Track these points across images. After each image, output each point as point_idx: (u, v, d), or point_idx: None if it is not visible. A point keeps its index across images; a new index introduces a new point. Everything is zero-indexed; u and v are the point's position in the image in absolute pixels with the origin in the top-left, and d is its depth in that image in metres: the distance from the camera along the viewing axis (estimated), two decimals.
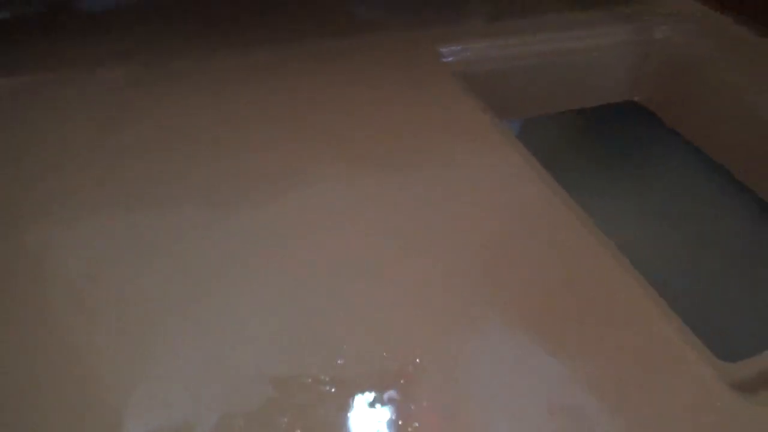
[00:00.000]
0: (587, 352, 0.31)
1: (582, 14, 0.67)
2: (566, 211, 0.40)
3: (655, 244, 0.68)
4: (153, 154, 0.42)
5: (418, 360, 0.30)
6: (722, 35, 0.64)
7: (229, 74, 0.51)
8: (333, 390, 0.28)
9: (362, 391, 0.28)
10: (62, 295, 0.32)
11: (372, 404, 0.28)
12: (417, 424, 0.27)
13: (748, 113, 0.58)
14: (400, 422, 0.27)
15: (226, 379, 0.28)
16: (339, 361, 0.29)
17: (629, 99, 0.71)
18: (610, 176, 0.80)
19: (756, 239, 0.67)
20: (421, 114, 0.49)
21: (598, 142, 0.79)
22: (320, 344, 0.30)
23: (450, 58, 0.57)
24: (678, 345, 0.32)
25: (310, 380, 0.28)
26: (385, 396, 0.28)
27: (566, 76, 0.65)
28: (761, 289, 0.62)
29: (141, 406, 0.27)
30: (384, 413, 0.27)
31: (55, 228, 0.36)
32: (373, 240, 0.37)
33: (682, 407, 0.29)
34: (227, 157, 0.42)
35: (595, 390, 0.29)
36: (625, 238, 0.43)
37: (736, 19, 0.64)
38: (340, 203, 0.40)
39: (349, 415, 0.27)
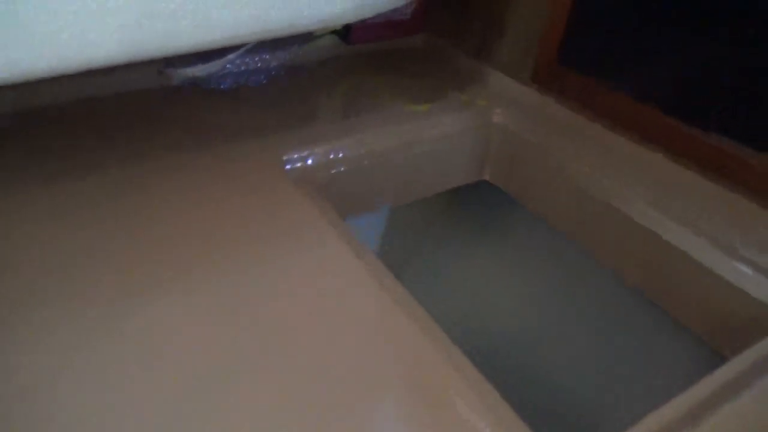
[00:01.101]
0: None
1: (423, 106, 0.71)
2: (401, 315, 0.42)
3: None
4: None
5: None
6: (549, 118, 0.70)
7: (71, 199, 0.51)
8: None
9: None
10: None
11: None
12: None
13: (575, 187, 0.63)
14: None
15: None
16: None
17: (481, 179, 0.76)
18: (473, 249, 0.84)
19: (607, 299, 0.71)
20: (261, 223, 0.50)
21: (459, 220, 0.83)
22: None
23: (294, 165, 0.59)
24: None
25: None
26: None
27: (418, 164, 0.69)
28: (617, 354, 0.66)
29: None
30: None
31: None
32: (207, 354, 0.37)
33: None
34: (69, 280, 0.42)
35: None
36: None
37: (557, 99, 0.71)
38: (174, 320, 0.40)
39: None
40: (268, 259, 0.47)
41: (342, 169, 0.62)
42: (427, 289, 0.84)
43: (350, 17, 0.53)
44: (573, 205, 0.63)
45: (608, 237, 0.61)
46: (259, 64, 0.78)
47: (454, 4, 0.81)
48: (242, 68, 0.76)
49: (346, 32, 0.78)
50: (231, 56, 0.69)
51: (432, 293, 0.85)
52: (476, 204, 0.85)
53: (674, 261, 0.55)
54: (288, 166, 0.59)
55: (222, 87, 0.72)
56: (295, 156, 0.59)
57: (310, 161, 0.60)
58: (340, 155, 0.62)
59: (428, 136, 0.68)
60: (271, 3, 0.47)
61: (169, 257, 0.46)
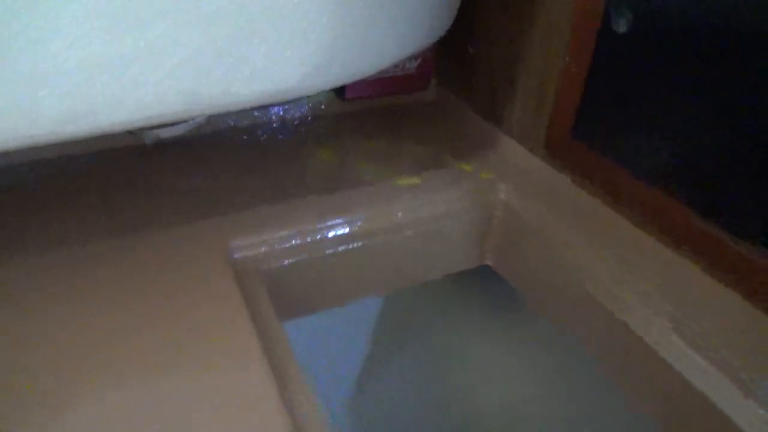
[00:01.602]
0: None
1: (414, 179, 0.62)
2: None
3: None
4: None
5: None
6: (561, 201, 0.60)
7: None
8: None
9: None
10: None
11: None
12: None
13: (586, 293, 0.51)
14: None
15: None
16: None
17: (482, 264, 0.65)
18: (474, 337, 0.73)
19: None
20: (193, 322, 0.42)
21: (461, 303, 0.73)
22: None
23: (242, 253, 0.51)
24: None
25: None
26: None
27: (405, 250, 0.59)
28: None
29: None
30: None
31: None
32: None
33: None
34: None
35: None
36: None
37: (573, 179, 0.60)
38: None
39: None
40: (169, 378, 0.39)
41: (305, 257, 0.53)
42: (422, 377, 0.74)
43: (309, 89, 0.44)
44: (581, 315, 0.52)
45: (621, 359, 0.50)
46: (245, 122, 0.70)
47: (464, 58, 0.72)
48: (223, 125, 0.69)
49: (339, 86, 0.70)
50: (200, 118, 0.62)
51: (428, 381, 0.75)
52: (481, 287, 0.74)
53: (693, 402, 0.43)
54: (236, 255, 0.50)
55: (193, 147, 0.65)
56: (246, 242, 0.51)
57: (263, 248, 0.51)
58: (307, 240, 0.54)
59: (419, 217, 0.59)
60: (195, 78, 0.39)
61: (98, 355, 0.39)
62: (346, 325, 0.78)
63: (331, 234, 0.54)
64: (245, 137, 0.67)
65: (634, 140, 0.53)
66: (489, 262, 0.65)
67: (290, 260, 0.52)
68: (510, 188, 0.62)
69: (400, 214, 0.58)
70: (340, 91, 0.70)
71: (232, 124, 0.69)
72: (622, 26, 0.50)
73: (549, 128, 0.60)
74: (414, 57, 0.70)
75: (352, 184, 0.60)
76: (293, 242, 0.53)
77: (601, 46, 0.52)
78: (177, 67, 0.37)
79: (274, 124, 0.70)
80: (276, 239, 0.52)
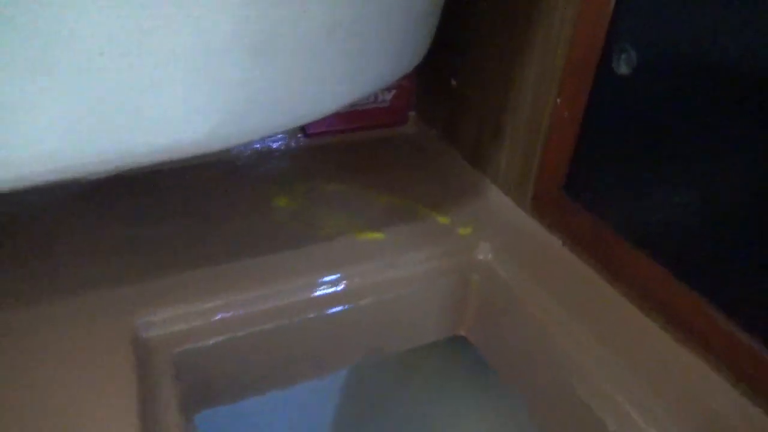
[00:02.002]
0: None
1: (377, 233, 0.53)
2: None
3: None
4: None
5: None
6: (551, 268, 0.50)
7: None
8: None
9: None
10: None
11: None
12: None
13: (570, 387, 0.42)
14: None
15: None
16: None
17: (455, 334, 0.56)
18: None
19: None
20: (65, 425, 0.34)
21: (431, 376, 0.63)
22: None
23: (152, 331, 0.42)
24: None
25: None
26: None
27: (363, 320, 0.50)
28: None
29: None
30: None
31: None
32: None
33: None
34: None
35: None
36: None
37: (565, 241, 0.50)
38: None
39: None
40: None
41: (234, 335, 0.44)
42: None
43: (223, 142, 0.36)
44: (565, 413, 0.43)
45: None
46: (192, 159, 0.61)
47: (447, 91, 0.63)
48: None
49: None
50: None
51: None
52: (453, 354, 0.65)
53: None
54: (144, 333, 0.41)
55: (126, 189, 0.56)
56: (156, 318, 0.42)
57: (178, 326, 0.42)
58: (239, 313, 0.45)
59: (381, 281, 0.50)
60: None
61: None
62: (309, 395, 0.69)
63: (267, 306, 0.45)
64: (188, 177, 0.58)
65: (639, 203, 0.43)
66: (463, 333, 0.55)
67: (214, 340, 0.43)
68: (492, 248, 0.52)
69: (357, 279, 0.49)
70: (302, 126, 0.62)
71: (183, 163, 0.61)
72: (624, 66, 0.40)
73: (537, 181, 0.51)
74: (387, 88, 0.61)
75: (304, 239, 0.51)
76: (218, 317, 0.44)
77: (600, 89, 0.43)
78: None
79: (226, 163, 0.62)
80: (196, 313, 0.43)
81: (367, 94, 0.41)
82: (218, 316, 0.44)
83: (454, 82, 0.61)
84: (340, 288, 0.48)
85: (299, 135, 0.63)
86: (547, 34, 0.47)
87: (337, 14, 0.31)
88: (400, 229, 0.54)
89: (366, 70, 0.37)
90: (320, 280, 0.48)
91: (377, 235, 0.53)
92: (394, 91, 0.62)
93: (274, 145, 0.63)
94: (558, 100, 0.47)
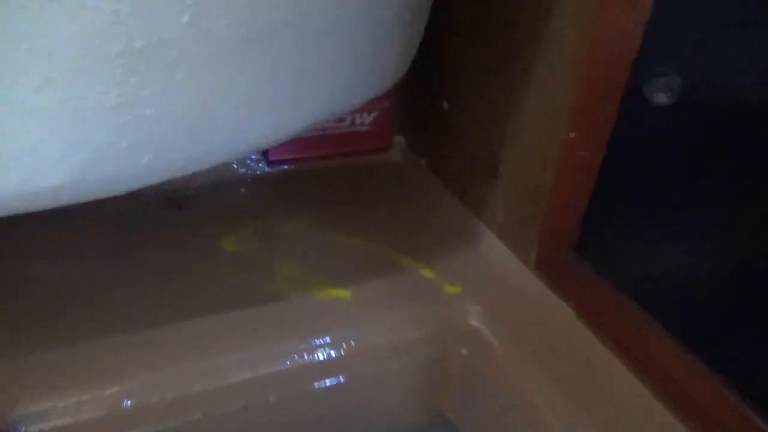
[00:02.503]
0: None
1: (343, 291, 0.43)
2: None
3: None
4: None
5: None
6: (557, 340, 0.40)
7: None
8: None
9: None
10: None
11: None
12: None
13: None
14: None
15: None
16: None
17: (438, 415, 0.45)
18: None
19: None
20: None
21: None
22: None
23: (37, 426, 0.32)
24: None
25: None
26: None
27: (322, 406, 0.40)
28: None
29: None
30: None
31: None
32: None
33: None
34: None
35: None
36: None
37: (576, 310, 0.40)
38: None
39: None
40: None
41: (147, 428, 0.34)
42: None
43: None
44: None
45: None
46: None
47: (437, 116, 0.53)
48: None
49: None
50: None
51: None
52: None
53: None
54: (23, 429, 0.31)
55: (52, 226, 0.46)
56: (41, 408, 0.32)
57: (67, 418, 0.32)
58: (151, 400, 0.34)
59: (345, 356, 0.40)
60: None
61: None
62: None
63: (191, 390, 0.35)
64: (122, 206, 0.48)
65: (679, 275, 0.33)
66: (448, 413, 0.45)
67: None
68: (486, 314, 0.42)
69: (314, 353, 0.39)
70: (264, 151, 0.52)
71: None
72: (663, 97, 0.30)
73: (544, 234, 0.40)
74: (366, 109, 0.52)
75: (251, 297, 0.41)
76: (125, 404, 0.33)
77: (627, 123, 0.33)
78: None
79: (172, 191, 0.52)
80: (94, 402, 0.33)
81: (313, 124, 0.31)
82: (125, 404, 0.34)
83: (445, 105, 0.51)
84: (290, 364, 0.38)
85: (260, 163, 0.53)
86: (555, 50, 0.37)
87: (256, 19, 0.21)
88: (372, 284, 0.44)
89: (305, 94, 0.27)
90: (265, 355, 0.38)
91: (343, 293, 0.43)
92: (374, 114, 0.52)
93: (230, 174, 0.53)
94: (572, 134, 0.36)
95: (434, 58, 0.51)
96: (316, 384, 0.39)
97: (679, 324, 0.33)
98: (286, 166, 0.53)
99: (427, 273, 0.45)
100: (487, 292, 0.44)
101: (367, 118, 0.52)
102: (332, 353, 0.39)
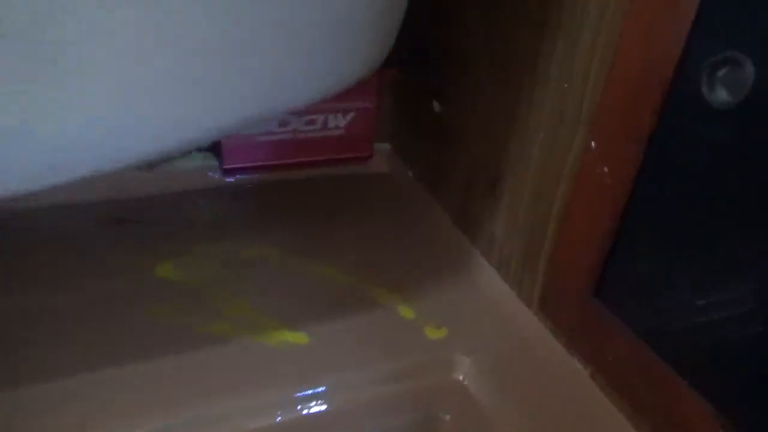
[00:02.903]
0: None
1: (299, 334, 0.34)
2: None
3: None
4: None
5: None
6: (568, 410, 0.31)
7: None
8: None
9: None
10: None
11: None
12: None
13: None
14: None
15: None
16: None
17: None
18: None
19: None
20: None
21: None
22: None
23: None
24: None
25: None
26: None
27: None
28: None
29: None
30: None
31: None
32: None
33: None
34: None
35: None
36: None
37: (590, 367, 0.31)
38: None
39: None
40: None
41: None
42: None
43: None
44: None
45: None
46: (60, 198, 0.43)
47: (427, 119, 0.44)
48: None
49: (215, 150, 0.43)
50: None
51: None
52: None
53: None
54: None
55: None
56: None
57: None
58: None
59: (295, 418, 0.31)
60: None
61: None
62: None
63: None
64: (45, 222, 0.40)
65: (721, 328, 0.24)
66: None
67: None
68: (476, 367, 0.33)
69: (255, 416, 0.30)
70: (219, 157, 0.43)
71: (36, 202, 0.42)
72: (725, 94, 0.21)
73: (551, 270, 0.31)
74: (342, 110, 0.43)
75: (185, 341, 0.33)
76: None
77: (670, 132, 0.24)
78: None
79: (107, 203, 0.43)
80: None
81: (246, 120, 0.22)
82: None
83: (437, 106, 0.42)
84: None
85: (213, 173, 0.44)
86: (574, 41, 0.29)
87: None
88: (336, 325, 0.35)
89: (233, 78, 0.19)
90: (193, 417, 0.29)
91: (298, 338, 0.34)
92: (351, 115, 0.44)
93: (184, 184, 0.45)
94: (592, 144, 0.28)
95: (427, 49, 0.42)
96: None
97: (722, 392, 0.24)
98: (246, 176, 0.45)
99: (406, 312, 0.37)
100: (480, 339, 0.35)
101: (342, 121, 0.44)
102: (276, 419, 0.31)
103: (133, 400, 0.29)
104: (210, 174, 0.45)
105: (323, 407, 0.32)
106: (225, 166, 0.43)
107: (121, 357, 0.31)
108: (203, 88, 0.21)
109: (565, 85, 0.30)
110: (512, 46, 0.34)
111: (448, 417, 0.33)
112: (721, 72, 0.21)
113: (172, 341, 0.33)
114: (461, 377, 0.34)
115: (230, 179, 0.45)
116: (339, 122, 0.44)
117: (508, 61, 0.34)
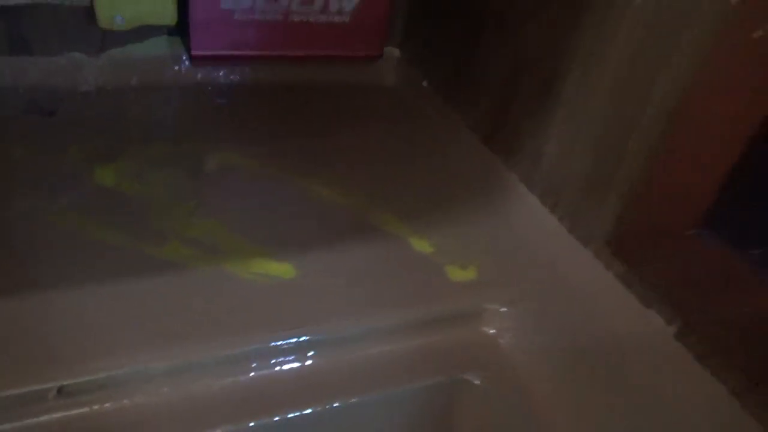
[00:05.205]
0: None
1: (284, 265, 0.25)
2: None
3: None
4: None
5: None
6: (647, 374, 0.23)
7: None
8: None
9: None
10: None
11: None
12: None
13: None
14: None
15: None
16: None
17: None
18: None
19: None
20: None
21: None
22: None
23: None
24: None
25: None
26: None
27: None
28: None
29: None
30: None
31: None
32: None
33: None
34: None
35: None
36: None
37: (681, 330, 0.23)
38: None
39: None
40: None
41: None
42: None
43: None
44: None
45: None
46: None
47: (447, 14, 0.35)
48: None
49: (180, 31, 0.33)
50: None
51: None
52: None
53: None
54: None
55: None
56: None
57: None
58: None
59: (281, 375, 0.23)
60: None
61: None
62: None
63: None
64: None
65: None
66: None
67: None
68: (514, 318, 0.25)
69: (224, 367, 0.22)
70: (185, 43, 0.33)
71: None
72: None
73: (634, 202, 0.23)
74: None
75: (130, 267, 0.24)
76: None
77: None
78: None
79: (53, 92, 0.33)
80: None
81: None
82: None
83: None
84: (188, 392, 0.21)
85: (178, 65, 0.35)
86: None
87: None
88: (331, 257, 0.26)
89: None
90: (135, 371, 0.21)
91: (281, 270, 0.25)
92: (355, 2, 0.34)
93: (134, 76, 0.35)
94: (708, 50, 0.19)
95: None
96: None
97: None
98: (220, 70, 0.35)
99: (421, 245, 0.28)
100: (518, 285, 0.27)
101: (348, 4, 0.34)
102: (235, 372, 0.22)
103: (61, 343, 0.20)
104: (175, 66, 0.35)
105: (307, 362, 0.23)
106: (193, 52, 0.33)
107: (43, 289, 0.22)
108: None
109: None
110: None
111: (478, 381, 0.24)
112: None
113: (112, 267, 0.24)
114: (493, 331, 0.26)
115: (200, 73, 0.35)
116: (344, 5, 0.34)
117: None
